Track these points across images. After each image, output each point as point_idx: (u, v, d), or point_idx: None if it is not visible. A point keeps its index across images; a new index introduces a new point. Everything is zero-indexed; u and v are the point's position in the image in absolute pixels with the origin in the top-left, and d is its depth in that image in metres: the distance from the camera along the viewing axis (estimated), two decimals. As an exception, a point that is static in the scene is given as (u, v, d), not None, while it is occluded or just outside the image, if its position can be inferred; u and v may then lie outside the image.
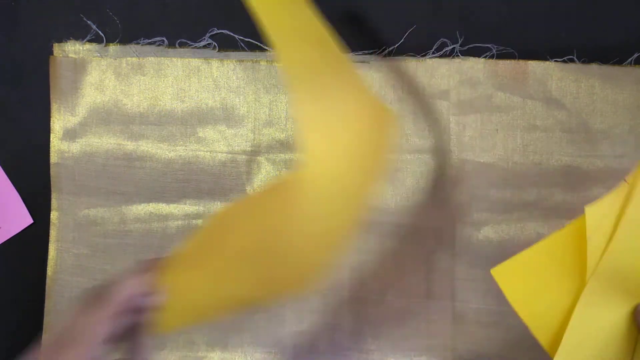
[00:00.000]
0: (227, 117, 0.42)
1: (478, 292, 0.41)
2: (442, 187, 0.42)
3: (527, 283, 0.34)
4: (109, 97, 0.43)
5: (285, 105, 0.42)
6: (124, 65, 0.43)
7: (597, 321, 0.33)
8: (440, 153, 0.42)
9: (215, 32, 0.42)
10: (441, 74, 0.41)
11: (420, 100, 0.42)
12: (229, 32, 0.42)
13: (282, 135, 0.42)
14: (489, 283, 0.42)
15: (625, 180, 0.31)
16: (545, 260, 0.33)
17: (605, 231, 0.31)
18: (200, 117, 0.42)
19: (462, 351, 0.41)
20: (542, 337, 0.33)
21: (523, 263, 0.34)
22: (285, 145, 0.42)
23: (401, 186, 0.42)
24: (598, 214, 0.32)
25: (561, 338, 0.33)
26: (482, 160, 0.42)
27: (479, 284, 0.41)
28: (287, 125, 0.42)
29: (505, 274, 0.34)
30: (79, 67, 0.43)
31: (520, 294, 0.33)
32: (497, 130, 0.41)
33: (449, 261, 0.42)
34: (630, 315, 0.32)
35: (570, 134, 0.41)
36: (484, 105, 0.41)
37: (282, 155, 0.42)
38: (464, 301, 0.41)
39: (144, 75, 0.43)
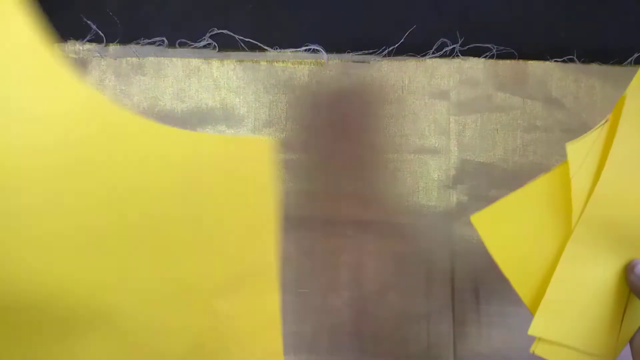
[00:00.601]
0: (227, 117, 0.42)
1: (478, 292, 0.41)
2: (442, 187, 0.42)
3: (509, 231, 0.31)
4: (108, 97, 0.43)
5: (285, 105, 0.42)
6: (124, 65, 0.43)
7: (583, 276, 0.30)
8: (441, 153, 0.42)
9: (215, 32, 0.43)
10: (441, 74, 0.41)
11: (420, 100, 0.42)
12: (229, 32, 0.42)
13: (282, 135, 0.42)
14: (489, 283, 0.42)
15: (606, 119, 0.29)
16: (529, 206, 0.31)
17: (589, 170, 0.29)
18: (200, 117, 0.42)
19: (462, 351, 0.41)
20: (523, 291, 0.31)
21: (505, 209, 0.31)
22: (285, 145, 0.42)
23: (401, 186, 0.42)
24: (581, 151, 0.30)
25: (543, 293, 0.30)
26: (482, 160, 0.42)
27: (479, 284, 0.41)
28: (287, 125, 0.42)
29: (486, 221, 0.31)
30: (79, 67, 0.43)
31: (502, 243, 0.31)
32: (497, 130, 0.42)
33: (449, 261, 0.42)
34: (620, 273, 0.30)
35: (570, 134, 0.41)
36: (484, 105, 0.41)
37: (282, 155, 0.42)
38: (464, 301, 0.41)
39: (144, 75, 0.43)
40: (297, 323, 0.42)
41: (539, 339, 0.32)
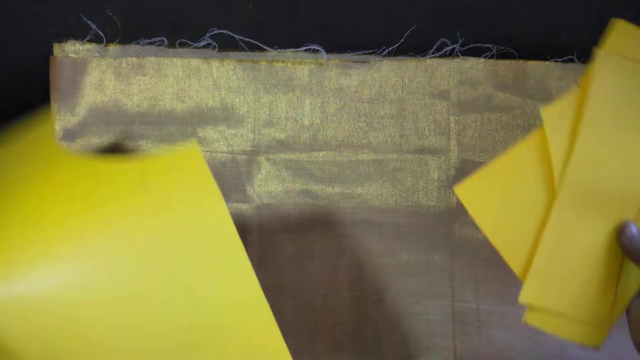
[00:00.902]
0: (227, 117, 0.42)
1: (478, 292, 0.41)
2: (442, 187, 0.42)
3: (494, 199, 0.31)
4: (109, 97, 0.43)
5: (285, 105, 0.42)
6: (124, 65, 0.43)
7: (572, 240, 0.30)
8: (441, 153, 0.42)
9: (215, 32, 0.43)
10: (441, 74, 0.41)
11: (420, 100, 0.42)
12: (229, 32, 0.42)
13: (282, 135, 0.42)
14: (489, 283, 0.42)
15: (577, 83, 0.30)
16: (511, 173, 0.31)
17: (565, 132, 0.30)
18: (200, 117, 0.42)
19: (462, 351, 0.41)
20: (512, 259, 0.31)
21: (488, 178, 0.31)
22: (285, 145, 0.42)
23: (401, 186, 0.42)
24: (555, 114, 0.30)
25: (532, 260, 0.30)
26: (482, 160, 0.42)
27: (479, 284, 0.41)
28: (287, 125, 0.42)
29: (470, 192, 0.31)
30: (79, 67, 0.43)
31: (487, 212, 0.31)
32: (497, 130, 0.41)
33: (449, 261, 0.42)
34: (612, 236, 0.30)
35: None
36: (484, 105, 0.41)
37: (282, 155, 0.42)
38: (464, 301, 0.41)
39: (144, 75, 0.43)
40: (297, 323, 0.42)
41: (531, 307, 0.31)
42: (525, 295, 0.31)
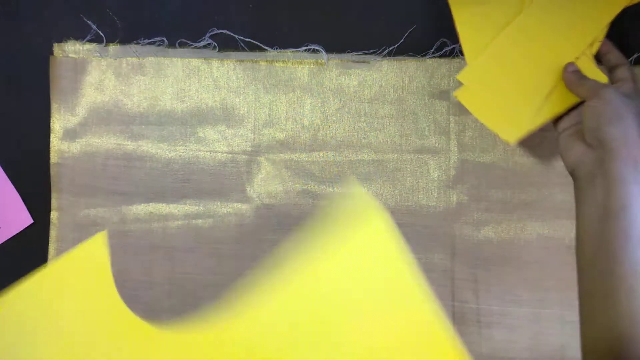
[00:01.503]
0: (227, 117, 0.42)
1: (478, 292, 0.41)
2: (442, 187, 0.42)
3: (477, 10, 0.37)
4: (109, 97, 0.43)
5: (285, 105, 0.42)
6: (124, 65, 0.43)
7: (522, 48, 0.36)
8: (441, 153, 0.42)
9: (215, 32, 0.43)
10: (441, 74, 0.41)
11: (420, 100, 0.42)
12: (229, 32, 0.42)
13: (282, 135, 0.42)
14: (488, 283, 0.42)
15: None
16: None
17: None
18: (200, 117, 0.42)
19: (462, 351, 0.41)
20: (469, 50, 0.36)
21: None
22: (285, 145, 0.42)
23: (401, 186, 0.42)
24: None
25: (484, 50, 0.36)
26: (482, 160, 0.42)
27: (479, 284, 0.41)
28: (287, 125, 0.42)
29: None
30: (79, 67, 0.43)
31: (466, 13, 0.37)
32: (497, 130, 0.41)
33: (449, 261, 0.42)
34: (553, 62, 0.36)
35: (570, 134, 0.41)
36: (484, 105, 0.41)
37: (282, 155, 0.42)
38: (464, 301, 0.41)
39: (144, 75, 0.43)
40: (297, 323, 0.42)
41: (465, 86, 0.37)
42: (464, 75, 0.37)
